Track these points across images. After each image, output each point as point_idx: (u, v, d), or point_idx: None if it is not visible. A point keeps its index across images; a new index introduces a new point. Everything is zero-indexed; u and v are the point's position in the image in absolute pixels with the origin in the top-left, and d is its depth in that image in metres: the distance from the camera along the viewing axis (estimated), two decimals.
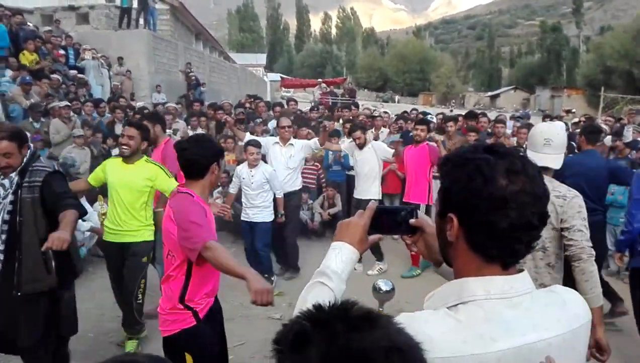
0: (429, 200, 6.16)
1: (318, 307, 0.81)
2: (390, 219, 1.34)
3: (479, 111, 9.79)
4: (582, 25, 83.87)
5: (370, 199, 5.66)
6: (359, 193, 6.43)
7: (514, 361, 1.00)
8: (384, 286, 3.62)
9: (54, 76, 10.31)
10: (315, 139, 6.41)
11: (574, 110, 22.73)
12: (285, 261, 6.43)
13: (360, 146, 6.28)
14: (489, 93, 69.70)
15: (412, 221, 1.32)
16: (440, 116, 9.91)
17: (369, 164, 6.28)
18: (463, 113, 11.46)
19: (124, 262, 4.17)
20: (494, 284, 1.05)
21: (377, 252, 6.28)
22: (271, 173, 5.77)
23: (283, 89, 35.69)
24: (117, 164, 4.18)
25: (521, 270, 1.10)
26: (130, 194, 4.09)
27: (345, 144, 6.83)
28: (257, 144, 5.75)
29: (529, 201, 1.02)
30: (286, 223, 6.08)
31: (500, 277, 1.06)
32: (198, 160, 2.67)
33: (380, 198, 6.42)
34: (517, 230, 1.02)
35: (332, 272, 1.28)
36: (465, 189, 1.04)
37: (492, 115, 11.48)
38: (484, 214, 1.02)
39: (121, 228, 4.12)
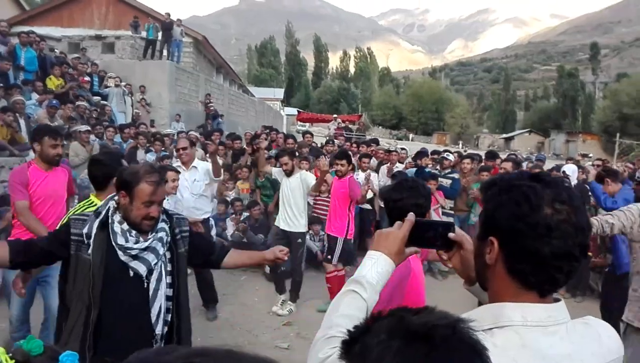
0: (347, 234, 5.92)
1: (373, 314, 0.87)
2: (428, 232, 1.34)
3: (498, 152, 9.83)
4: (599, 72, 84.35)
5: (295, 232, 5.78)
6: (285, 224, 5.89)
7: None
8: None
9: (81, 103, 10.61)
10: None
11: (590, 154, 22.64)
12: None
13: (288, 174, 5.89)
14: (504, 135, 69.82)
15: (451, 235, 1.32)
16: (456, 154, 9.98)
17: (295, 194, 5.85)
18: (479, 153, 11.54)
19: None
20: (531, 311, 1.05)
21: (296, 292, 5.95)
22: None
23: (299, 122, 36.15)
24: None
25: (557, 300, 1.10)
26: None
27: (274, 169, 6.38)
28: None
29: (572, 232, 1.02)
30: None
31: (539, 305, 1.06)
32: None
33: (306, 230, 6.09)
34: (559, 259, 1.03)
35: (367, 282, 1.28)
36: (510, 214, 1.05)
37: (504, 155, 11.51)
38: (527, 241, 1.03)
39: None
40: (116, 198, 2.35)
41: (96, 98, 12.26)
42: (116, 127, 10.30)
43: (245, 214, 7.75)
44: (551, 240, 1.01)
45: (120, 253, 2.24)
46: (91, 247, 2.26)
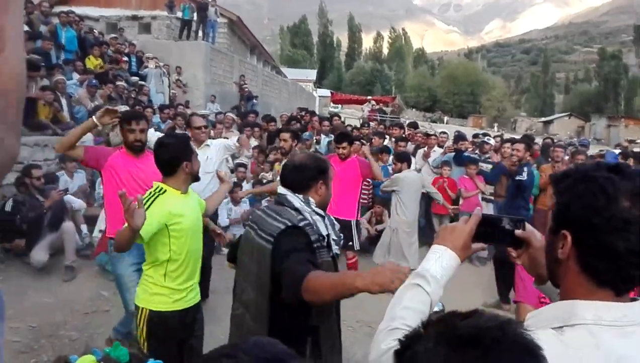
0: (357, 216, 5.75)
1: (424, 320, 0.86)
2: (495, 228, 1.30)
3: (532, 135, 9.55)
4: None
5: None
6: None
7: None
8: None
9: (120, 83, 10.75)
10: (233, 139, 5.67)
11: (638, 140, 21.78)
12: None
13: (283, 155, 5.63)
14: (542, 119, 68.00)
15: (518, 232, 1.27)
16: (499, 139, 9.75)
17: None
18: (516, 137, 11.24)
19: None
20: (605, 310, 0.99)
21: None
22: None
23: (332, 104, 35.96)
24: None
25: (635, 299, 1.04)
26: None
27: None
28: None
29: None
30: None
31: (613, 303, 1.00)
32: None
33: None
34: (635, 255, 0.96)
35: (431, 276, 1.26)
36: (585, 207, 1.00)
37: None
38: (602, 235, 0.98)
39: None
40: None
41: (134, 78, 12.40)
42: (154, 108, 10.42)
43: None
44: (628, 234, 0.95)
45: (333, 244, 2.23)
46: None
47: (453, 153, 8.16)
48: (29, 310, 4.72)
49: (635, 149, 11.75)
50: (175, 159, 2.81)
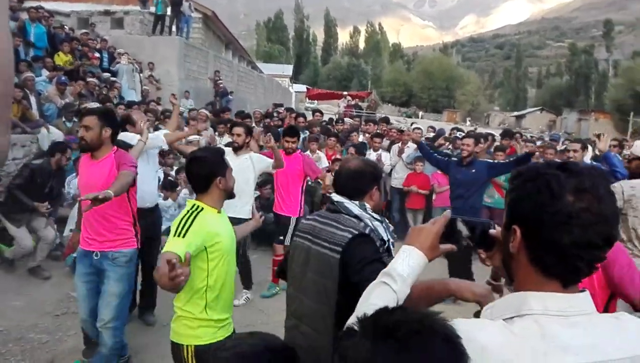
0: (300, 212, 5.63)
1: (361, 316, 0.96)
2: (464, 230, 1.33)
3: (515, 131, 9.69)
4: (613, 49, 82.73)
5: (241, 219, 4.92)
6: (230, 210, 5.36)
7: None
8: None
9: (91, 79, 10.56)
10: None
11: (604, 134, 22.20)
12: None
13: (235, 149, 5.22)
14: (515, 113, 69.10)
15: (492, 231, 1.30)
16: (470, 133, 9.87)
17: (243, 177, 5.07)
18: (489, 132, 11.39)
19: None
20: (552, 300, 1.04)
21: (247, 279, 5.55)
22: None
23: (308, 99, 35.92)
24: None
25: (584, 290, 1.09)
26: None
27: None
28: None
29: (594, 221, 1.01)
30: None
31: (560, 294, 1.05)
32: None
33: (250, 217, 5.11)
34: (579, 247, 1.01)
35: (398, 275, 1.31)
36: (532, 203, 1.05)
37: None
38: (548, 229, 1.03)
39: None
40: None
41: (106, 75, 12.19)
42: (126, 105, 10.26)
43: (256, 193, 7.73)
44: (572, 228, 1.00)
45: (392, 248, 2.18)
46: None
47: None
48: None
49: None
50: (209, 174, 2.62)
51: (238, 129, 5.34)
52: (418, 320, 0.85)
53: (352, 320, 1.25)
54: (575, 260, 1.03)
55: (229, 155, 5.04)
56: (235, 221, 5.00)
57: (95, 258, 3.45)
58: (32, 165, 6.00)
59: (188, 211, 2.52)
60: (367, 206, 2.15)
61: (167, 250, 2.32)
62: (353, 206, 2.13)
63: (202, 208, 2.55)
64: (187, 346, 2.55)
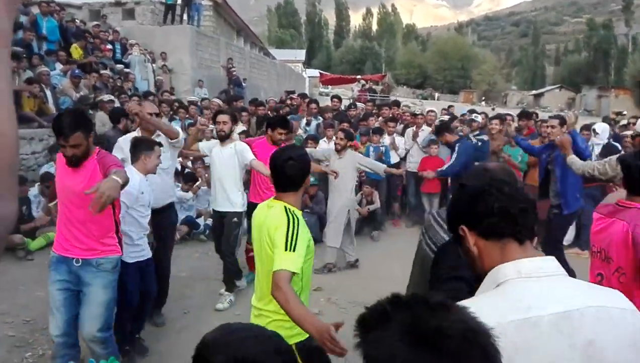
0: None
1: (396, 295, 0.91)
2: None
3: (532, 111, 9.52)
4: (632, 23, 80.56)
5: (231, 212, 4.93)
6: (217, 203, 5.13)
7: (550, 327, 1.12)
8: None
9: (104, 71, 10.64)
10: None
11: (624, 111, 21.81)
12: None
13: (222, 138, 5.01)
14: (533, 92, 67.91)
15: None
16: (484, 115, 9.76)
17: (228, 167, 4.95)
18: (506, 112, 11.22)
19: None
20: (523, 264, 1.23)
21: (232, 281, 5.22)
22: None
23: (321, 85, 35.76)
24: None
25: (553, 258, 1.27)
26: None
27: (201, 144, 5.40)
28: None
29: (506, 203, 1.28)
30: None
31: (527, 259, 1.24)
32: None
33: (245, 209, 5.09)
34: (505, 211, 1.27)
35: None
36: (470, 206, 1.33)
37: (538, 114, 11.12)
38: (484, 213, 1.28)
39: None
40: None
41: (119, 66, 12.27)
42: (140, 96, 10.32)
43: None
44: (493, 199, 1.29)
45: None
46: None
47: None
48: (23, 304, 4.75)
49: (622, 122, 11.78)
50: (305, 174, 2.59)
51: (223, 117, 5.04)
52: (464, 336, 0.81)
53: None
54: (508, 220, 1.27)
55: (216, 146, 5.07)
56: (223, 216, 5.03)
57: (76, 264, 3.16)
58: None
59: (289, 219, 2.43)
60: None
61: (284, 269, 2.28)
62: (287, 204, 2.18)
63: (295, 212, 2.50)
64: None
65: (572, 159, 4.50)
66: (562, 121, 5.42)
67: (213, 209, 5.33)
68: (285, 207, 2.50)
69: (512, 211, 1.26)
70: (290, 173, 2.53)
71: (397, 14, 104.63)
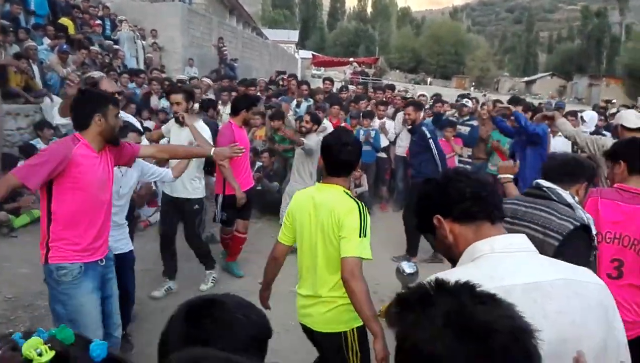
0: (224, 190, 5.07)
1: (440, 280, 0.90)
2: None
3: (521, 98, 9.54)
4: (626, 11, 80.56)
5: (191, 199, 4.69)
6: (172, 189, 4.77)
7: (522, 296, 1.15)
8: (407, 268, 3.64)
9: (93, 48, 10.47)
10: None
11: (614, 100, 21.90)
12: None
13: (177, 120, 4.61)
14: (525, 78, 68.00)
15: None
16: (475, 100, 9.73)
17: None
18: (498, 98, 11.22)
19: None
20: (496, 241, 1.31)
21: (208, 258, 5.07)
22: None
23: (314, 66, 35.50)
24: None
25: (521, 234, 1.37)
26: None
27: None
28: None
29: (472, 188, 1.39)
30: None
31: (500, 236, 1.34)
32: None
33: (204, 195, 4.99)
34: (475, 195, 1.36)
35: None
36: (443, 196, 1.42)
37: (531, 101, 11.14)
38: (457, 199, 1.37)
39: None
40: None
41: (108, 42, 12.08)
42: (130, 73, 10.19)
43: (259, 163, 7.71)
44: (465, 186, 1.38)
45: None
46: None
47: (432, 117, 8.17)
48: (5, 281, 4.74)
49: (612, 110, 11.84)
50: (358, 160, 2.64)
51: (176, 97, 4.58)
52: (511, 333, 0.79)
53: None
54: (480, 202, 1.36)
55: (173, 127, 4.74)
56: (181, 202, 4.75)
57: (101, 264, 2.94)
58: None
59: (359, 205, 2.47)
60: (576, 197, 2.14)
61: (358, 256, 2.33)
62: (566, 194, 2.09)
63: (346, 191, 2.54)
64: (349, 331, 2.53)
65: (564, 121, 4.61)
66: (527, 107, 6.22)
67: (163, 193, 4.96)
68: (345, 191, 2.52)
69: (483, 194, 1.37)
70: (346, 158, 2.54)
71: None
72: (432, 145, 5.92)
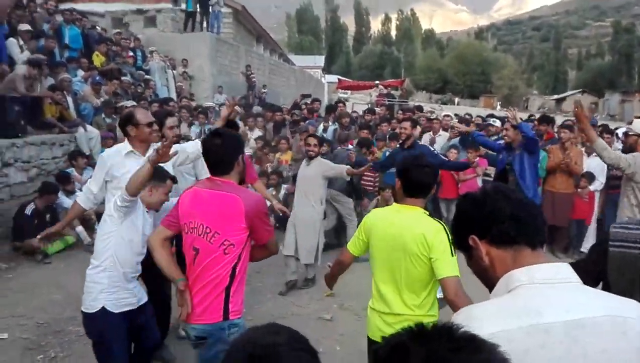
0: None
1: (420, 325, 0.84)
2: None
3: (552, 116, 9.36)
4: None
5: None
6: None
7: (562, 334, 1.09)
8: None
9: (125, 78, 10.78)
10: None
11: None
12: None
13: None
14: (555, 96, 66.97)
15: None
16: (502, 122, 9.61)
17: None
18: (527, 117, 11.06)
19: None
20: (536, 270, 1.20)
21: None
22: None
23: (340, 90, 35.72)
24: None
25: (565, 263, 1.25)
26: None
27: None
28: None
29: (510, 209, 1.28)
30: None
31: (542, 264, 1.21)
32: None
33: None
34: (516, 217, 1.25)
35: None
36: (476, 214, 1.32)
37: (558, 119, 10.96)
38: (495, 219, 1.27)
39: None
40: None
41: (140, 73, 12.43)
42: (160, 102, 10.44)
43: (284, 188, 7.72)
44: (505, 204, 1.27)
45: None
46: None
47: (459, 137, 8.09)
48: (37, 306, 4.82)
49: None
50: (435, 182, 2.73)
51: (173, 120, 4.22)
52: None
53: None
54: (521, 225, 1.25)
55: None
56: None
57: None
58: None
59: (443, 226, 2.51)
60: None
61: (456, 275, 2.40)
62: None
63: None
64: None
65: (605, 147, 4.56)
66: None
67: None
68: (424, 213, 2.57)
69: (522, 216, 1.26)
70: (424, 180, 2.60)
71: (417, 19, 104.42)
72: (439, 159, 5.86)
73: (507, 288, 1.20)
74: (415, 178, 2.58)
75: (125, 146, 3.55)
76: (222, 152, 2.59)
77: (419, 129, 6.48)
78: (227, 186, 2.56)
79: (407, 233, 2.49)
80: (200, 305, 2.52)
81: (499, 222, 1.26)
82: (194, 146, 3.83)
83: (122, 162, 3.46)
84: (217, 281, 2.50)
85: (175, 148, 3.18)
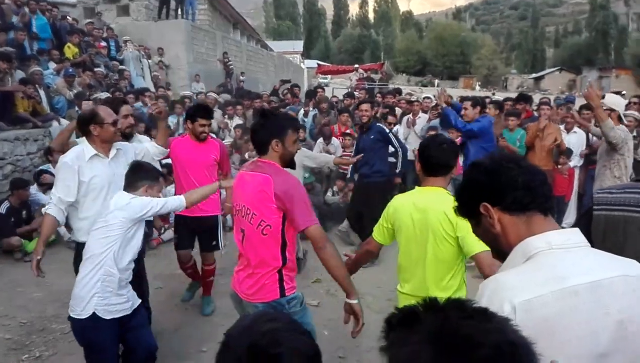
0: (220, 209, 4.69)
1: (433, 298, 0.86)
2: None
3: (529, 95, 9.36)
4: (632, 2, 79.81)
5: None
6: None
7: (588, 295, 1.15)
8: None
9: (99, 69, 10.56)
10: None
11: (623, 91, 21.63)
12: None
13: (126, 136, 4.08)
14: (533, 75, 67.57)
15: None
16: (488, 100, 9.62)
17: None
18: (506, 97, 11.11)
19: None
20: (551, 237, 1.24)
21: None
22: None
23: (320, 75, 35.57)
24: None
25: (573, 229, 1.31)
26: None
27: None
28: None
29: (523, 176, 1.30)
30: None
31: (555, 231, 1.26)
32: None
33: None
34: (528, 185, 1.28)
35: None
36: (492, 181, 1.32)
37: (536, 97, 11.03)
38: (509, 187, 1.29)
39: None
40: None
41: (114, 63, 12.19)
42: (136, 92, 10.25)
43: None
44: (517, 174, 1.29)
45: None
46: None
47: (438, 118, 8.08)
48: (19, 305, 4.74)
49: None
50: (456, 159, 2.70)
51: (127, 108, 4.15)
52: (496, 344, 0.74)
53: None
54: (534, 191, 1.29)
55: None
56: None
57: None
58: None
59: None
60: None
61: (487, 249, 2.38)
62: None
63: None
64: None
65: (612, 127, 4.68)
66: (475, 103, 5.99)
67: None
68: (447, 192, 2.58)
69: (534, 184, 1.29)
70: (443, 157, 2.59)
71: (395, 1, 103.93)
72: (393, 140, 6.02)
73: (525, 255, 1.24)
74: (434, 156, 2.58)
75: (87, 149, 3.28)
76: (258, 132, 2.65)
77: (378, 109, 6.47)
78: (266, 167, 2.58)
79: (430, 214, 2.51)
80: (255, 285, 2.58)
81: (513, 190, 1.28)
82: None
83: (88, 166, 3.27)
84: (266, 261, 2.55)
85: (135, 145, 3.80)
